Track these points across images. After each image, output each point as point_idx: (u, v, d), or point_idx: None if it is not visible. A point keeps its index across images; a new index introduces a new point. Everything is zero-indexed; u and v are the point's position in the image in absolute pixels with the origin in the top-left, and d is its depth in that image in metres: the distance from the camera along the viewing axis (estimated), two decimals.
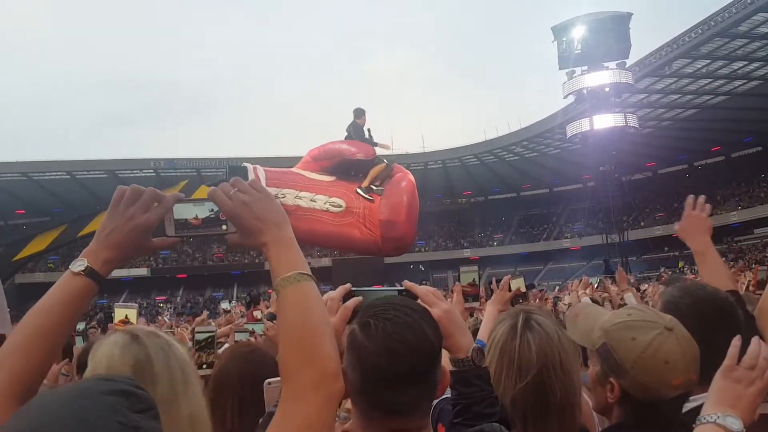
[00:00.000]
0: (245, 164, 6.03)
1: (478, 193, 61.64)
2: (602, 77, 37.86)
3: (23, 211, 49.62)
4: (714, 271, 2.48)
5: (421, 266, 53.60)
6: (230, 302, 16.60)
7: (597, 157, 40.53)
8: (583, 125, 40.06)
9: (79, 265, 1.21)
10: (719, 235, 45.55)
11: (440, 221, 59.04)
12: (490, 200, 61.89)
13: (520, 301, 3.16)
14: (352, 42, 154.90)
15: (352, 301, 1.35)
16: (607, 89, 38.04)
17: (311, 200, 5.92)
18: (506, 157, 53.30)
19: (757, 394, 1.24)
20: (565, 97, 41.17)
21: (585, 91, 39.01)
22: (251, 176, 5.72)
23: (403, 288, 1.43)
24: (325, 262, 51.39)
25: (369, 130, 7.24)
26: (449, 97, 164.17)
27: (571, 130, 41.34)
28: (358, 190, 6.22)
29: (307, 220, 5.84)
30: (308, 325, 1.15)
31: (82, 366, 2.90)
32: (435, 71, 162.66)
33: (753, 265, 35.66)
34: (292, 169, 6.30)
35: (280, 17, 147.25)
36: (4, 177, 44.73)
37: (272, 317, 5.19)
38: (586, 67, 38.64)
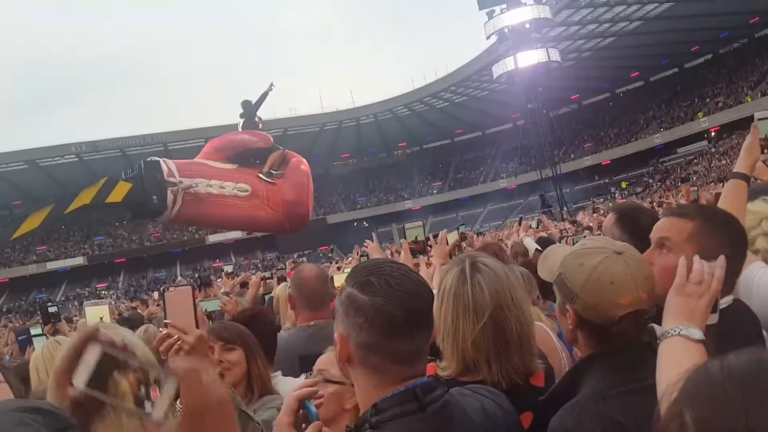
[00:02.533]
0: (156, 158, 6.43)
1: (413, 144, 61.87)
2: (521, 14, 38.10)
3: None
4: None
5: (364, 222, 53.78)
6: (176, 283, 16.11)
7: (524, 95, 41.17)
8: (507, 64, 40.45)
9: None
10: (644, 158, 47.42)
11: (378, 175, 59.19)
12: (425, 149, 62.28)
13: (457, 252, 3.26)
14: None
15: (301, 392, 1.36)
16: (527, 26, 38.39)
17: (221, 187, 6.52)
18: (437, 104, 53.52)
19: (707, 306, 1.33)
20: (488, 38, 41.35)
21: (506, 30, 39.24)
22: (164, 169, 6.25)
23: None
24: None
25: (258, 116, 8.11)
26: (374, 48, 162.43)
27: (497, 70, 41.70)
28: (261, 175, 6.92)
29: (220, 205, 6.54)
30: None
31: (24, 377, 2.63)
32: (355, 22, 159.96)
33: (679, 185, 37.19)
34: (197, 160, 6.85)
35: None
36: None
37: (227, 295, 5.14)
38: (505, 5, 38.77)
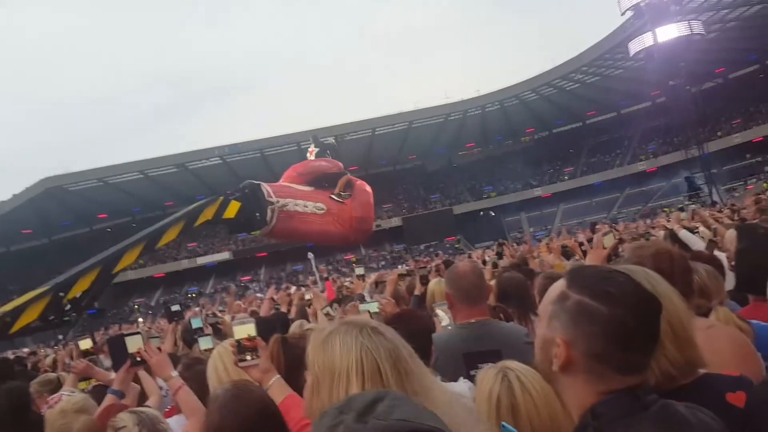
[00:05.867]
0: (257, 182, 7.75)
1: (541, 129, 59.94)
2: None
3: (105, 215, 52.00)
4: None
5: (491, 212, 53.00)
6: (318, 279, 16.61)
7: (665, 71, 38.46)
8: (645, 40, 38.13)
9: None
10: None
11: (504, 163, 57.82)
12: (554, 134, 60.10)
13: (614, 257, 3.13)
14: None
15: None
16: None
17: (304, 206, 7.82)
18: (567, 86, 51.40)
19: None
20: (623, 14, 39.14)
21: (643, 5, 36.95)
22: (264, 191, 7.57)
23: None
24: (396, 221, 51.60)
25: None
26: (498, 34, 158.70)
27: (634, 47, 39.43)
28: (333, 196, 8.18)
29: (303, 222, 7.85)
30: None
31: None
32: (477, 10, 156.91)
33: None
34: (284, 183, 8.21)
35: None
36: (82, 185, 46.91)
37: (362, 298, 5.22)
38: None
